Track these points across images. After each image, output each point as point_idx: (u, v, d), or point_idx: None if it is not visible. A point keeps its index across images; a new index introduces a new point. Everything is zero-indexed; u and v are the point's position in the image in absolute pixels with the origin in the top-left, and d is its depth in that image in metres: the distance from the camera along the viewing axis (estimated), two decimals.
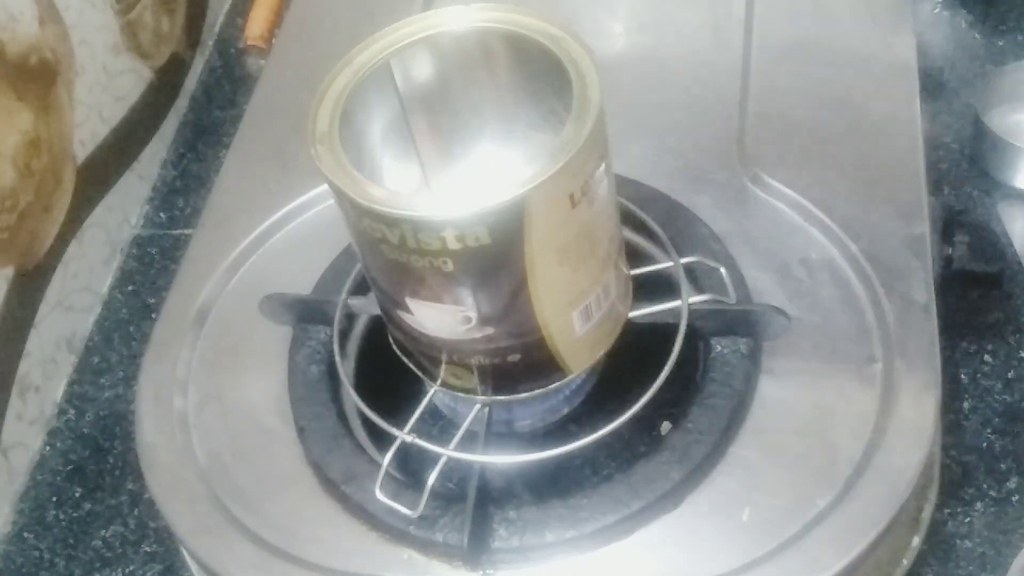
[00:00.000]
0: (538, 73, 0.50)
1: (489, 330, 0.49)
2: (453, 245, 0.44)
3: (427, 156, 0.55)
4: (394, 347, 0.55)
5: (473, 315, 0.48)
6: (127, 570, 0.66)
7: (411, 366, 0.55)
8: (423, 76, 0.52)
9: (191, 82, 0.94)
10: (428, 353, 0.52)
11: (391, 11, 0.79)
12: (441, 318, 0.49)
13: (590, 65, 0.47)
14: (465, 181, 0.55)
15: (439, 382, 0.54)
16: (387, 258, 0.46)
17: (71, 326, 0.78)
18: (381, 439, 0.56)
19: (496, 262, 0.45)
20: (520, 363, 0.51)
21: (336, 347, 0.58)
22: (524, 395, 0.53)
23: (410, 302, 0.49)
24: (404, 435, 0.53)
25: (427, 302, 0.48)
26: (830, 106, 0.69)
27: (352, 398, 0.57)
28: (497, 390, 0.53)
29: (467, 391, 0.54)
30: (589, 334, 0.52)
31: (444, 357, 0.52)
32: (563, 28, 0.48)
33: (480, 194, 0.43)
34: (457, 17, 0.50)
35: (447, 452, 0.52)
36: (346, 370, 0.61)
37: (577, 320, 0.50)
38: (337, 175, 0.45)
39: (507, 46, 0.50)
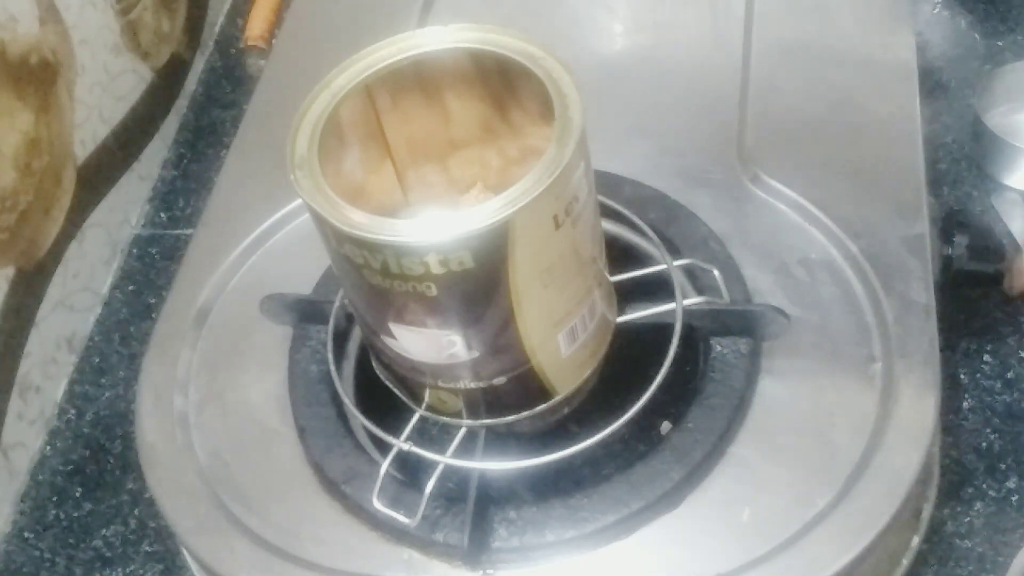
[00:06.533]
0: (519, 94, 0.50)
1: (474, 354, 0.48)
2: (436, 270, 0.44)
3: (408, 179, 0.54)
4: (378, 372, 0.55)
5: (458, 339, 0.48)
6: (127, 570, 0.66)
7: (395, 391, 0.55)
8: (402, 98, 0.51)
9: (191, 82, 0.94)
10: (413, 378, 0.52)
11: (390, 11, 0.79)
12: (425, 343, 0.48)
13: (571, 85, 0.47)
14: (447, 204, 0.55)
15: (424, 406, 0.53)
16: (370, 284, 0.46)
17: (71, 326, 0.78)
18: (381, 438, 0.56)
19: (480, 286, 0.45)
20: (506, 386, 0.51)
21: (330, 354, 0.58)
22: (511, 418, 0.53)
23: (394, 327, 0.48)
24: (400, 443, 0.53)
25: (411, 327, 0.48)
26: (830, 106, 0.69)
27: (351, 402, 0.57)
28: (483, 414, 0.53)
29: (453, 415, 0.53)
30: (575, 355, 0.52)
31: (429, 381, 0.51)
32: (543, 48, 0.48)
33: (463, 218, 0.43)
34: (436, 38, 0.50)
35: (444, 459, 0.52)
36: (347, 368, 0.61)
37: (563, 342, 0.50)
38: (317, 200, 0.45)
39: (487, 67, 0.50)
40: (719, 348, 0.56)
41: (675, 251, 0.60)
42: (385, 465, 0.53)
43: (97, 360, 0.78)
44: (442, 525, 0.52)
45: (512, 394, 0.52)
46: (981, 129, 0.75)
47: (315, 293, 0.62)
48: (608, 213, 0.60)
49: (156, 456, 0.59)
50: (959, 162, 0.77)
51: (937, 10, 0.87)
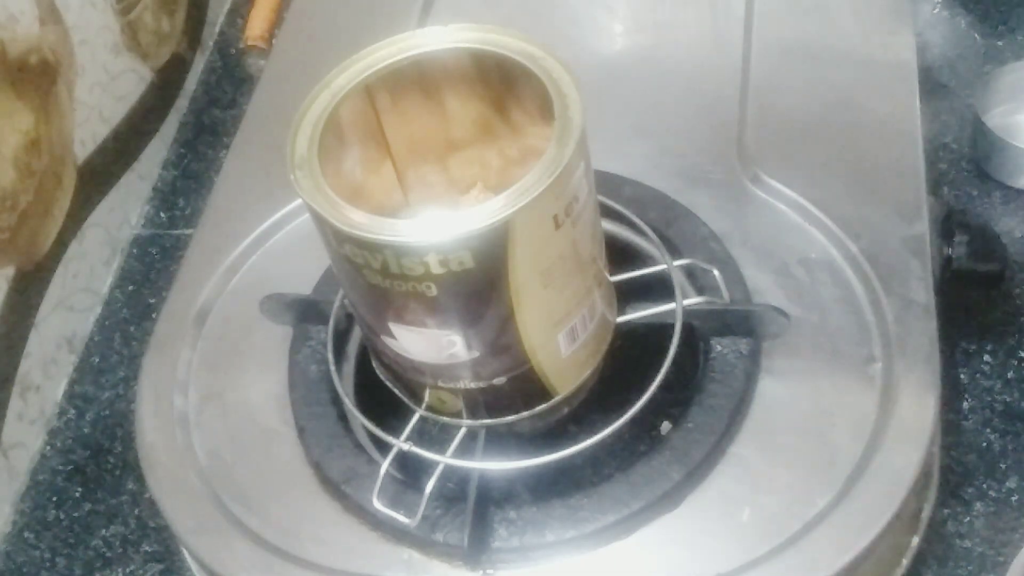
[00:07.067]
0: (519, 94, 0.50)
1: (474, 354, 0.48)
2: (436, 270, 0.44)
3: (408, 179, 0.54)
4: (378, 372, 0.55)
5: (458, 339, 0.48)
6: (127, 570, 0.66)
7: (395, 391, 0.55)
8: (402, 98, 0.51)
9: (191, 82, 0.94)
10: (413, 378, 0.52)
11: (390, 11, 0.79)
12: (425, 343, 0.48)
13: (571, 85, 0.47)
14: (447, 204, 0.55)
15: (424, 406, 0.53)
16: (370, 284, 0.46)
17: (71, 326, 0.78)
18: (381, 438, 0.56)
19: (480, 286, 0.45)
20: (506, 386, 0.51)
21: (331, 355, 0.58)
22: (511, 418, 0.53)
23: (394, 327, 0.48)
24: (400, 443, 0.53)
25: (411, 327, 0.48)
26: (830, 106, 0.69)
27: (351, 402, 0.57)
28: (483, 414, 0.53)
29: (453, 415, 0.53)
30: (575, 355, 0.52)
31: (429, 381, 0.51)
32: (543, 48, 0.48)
33: (463, 218, 0.43)
34: (436, 38, 0.50)
35: (444, 459, 0.52)
36: (347, 368, 0.61)
37: (563, 342, 0.50)
38: (317, 200, 0.45)
39: (487, 67, 0.50)
40: (719, 348, 0.56)
41: (675, 251, 0.60)
42: (385, 465, 0.53)
43: (97, 360, 0.78)
44: (442, 525, 0.52)
45: (512, 394, 0.52)
46: (981, 130, 0.75)
47: (315, 293, 0.62)
48: (608, 213, 0.60)
49: (156, 456, 0.59)
50: (959, 162, 0.77)
51: (937, 10, 0.87)
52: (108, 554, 0.67)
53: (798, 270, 0.60)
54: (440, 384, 0.51)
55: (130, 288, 0.81)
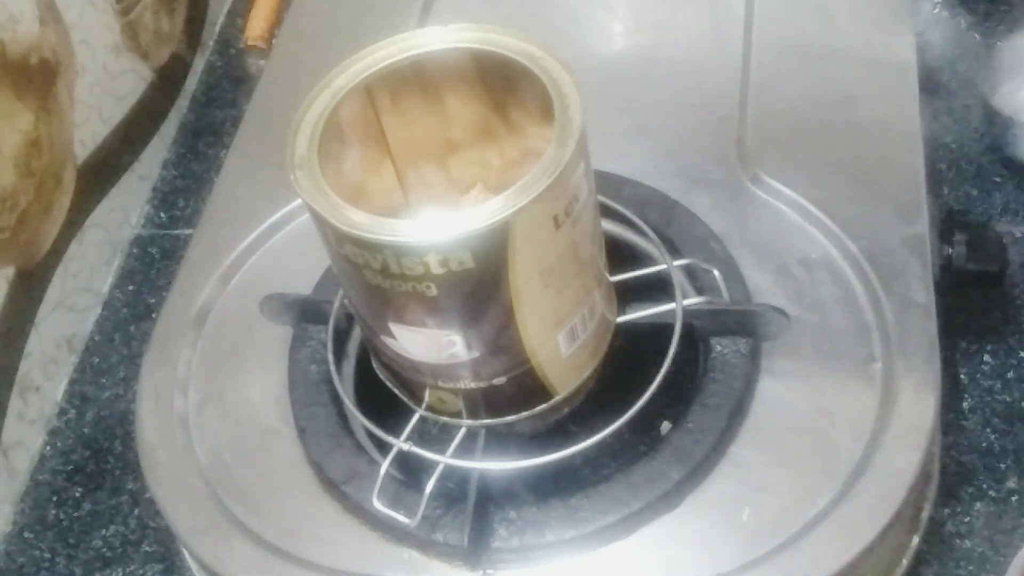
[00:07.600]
0: (519, 94, 0.50)
1: (474, 354, 0.48)
2: (436, 270, 0.44)
3: (408, 179, 0.55)
4: (378, 372, 0.55)
5: (458, 339, 0.48)
6: (127, 570, 0.66)
7: (395, 391, 0.55)
8: (402, 98, 0.51)
9: (191, 82, 0.94)
10: (413, 378, 0.52)
11: (390, 11, 0.79)
12: (425, 343, 0.48)
13: (571, 85, 0.47)
14: (447, 204, 0.55)
15: (424, 406, 0.53)
16: (370, 284, 0.46)
17: (71, 326, 0.78)
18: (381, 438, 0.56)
19: (480, 286, 0.45)
20: (506, 386, 0.51)
21: (331, 354, 0.58)
22: (511, 418, 0.53)
23: (394, 327, 0.48)
24: (400, 443, 0.53)
25: (411, 327, 0.48)
26: (830, 106, 0.69)
27: (351, 402, 0.57)
28: (483, 414, 0.53)
29: (453, 415, 0.53)
30: (575, 355, 0.52)
31: (429, 381, 0.51)
32: (543, 48, 0.48)
33: (463, 218, 0.43)
34: (436, 38, 0.50)
35: (444, 459, 0.52)
36: (347, 368, 0.61)
37: (563, 342, 0.50)
38: (317, 200, 0.45)
39: (487, 67, 0.50)
40: (719, 348, 0.56)
41: (675, 251, 0.60)
42: (385, 465, 0.53)
43: (97, 360, 0.78)
44: (442, 525, 0.52)
45: (512, 394, 0.52)
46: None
47: (315, 293, 0.62)
48: (608, 213, 0.60)
49: (156, 456, 0.59)
50: (959, 162, 0.77)
51: (937, 10, 0.87)
52: (108, 554, 0.67)
53: (798, 270, 0.60)
54: (440, 384, 0.51)
55: (130, 288, 0.81)
